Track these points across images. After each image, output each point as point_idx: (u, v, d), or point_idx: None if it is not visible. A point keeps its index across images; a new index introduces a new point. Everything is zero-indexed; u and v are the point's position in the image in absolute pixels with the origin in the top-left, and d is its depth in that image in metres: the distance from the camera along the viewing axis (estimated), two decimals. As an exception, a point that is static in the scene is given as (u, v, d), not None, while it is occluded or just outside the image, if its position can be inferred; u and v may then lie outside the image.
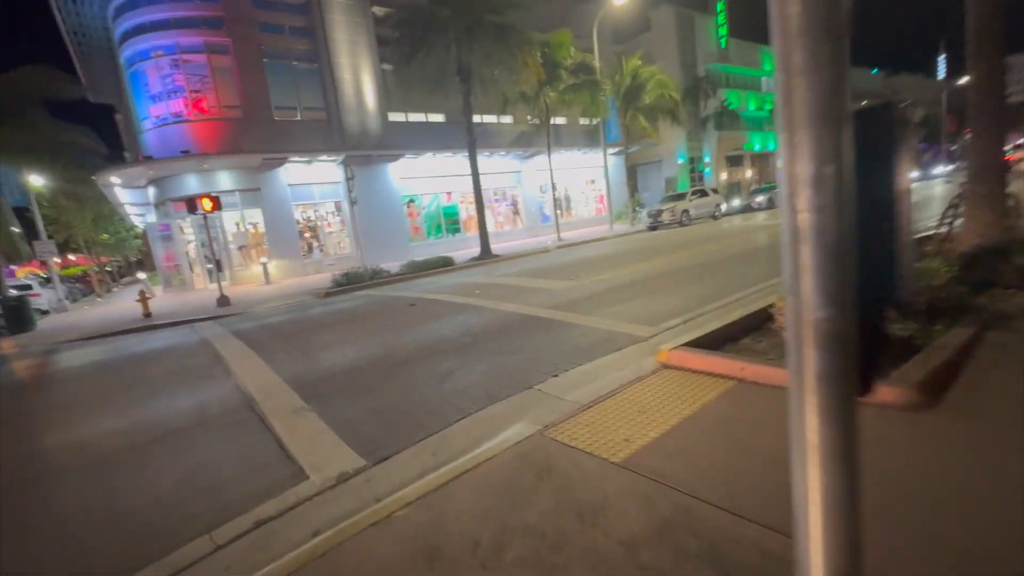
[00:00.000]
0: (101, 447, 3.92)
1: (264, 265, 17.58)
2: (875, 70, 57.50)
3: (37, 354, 9.46)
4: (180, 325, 10.73)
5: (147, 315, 12.47)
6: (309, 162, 18.58)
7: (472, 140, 16.24)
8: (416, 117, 21.52)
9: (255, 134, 17.52)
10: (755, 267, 8.04)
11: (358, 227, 19.51)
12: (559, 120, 25.28)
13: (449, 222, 22.97)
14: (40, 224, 19.42)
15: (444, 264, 15.01)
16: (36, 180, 21.96)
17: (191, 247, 18.82)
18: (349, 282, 13.37)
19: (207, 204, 12.69)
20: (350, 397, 4.26)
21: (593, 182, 28.39)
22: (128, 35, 17.22)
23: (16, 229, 17.03)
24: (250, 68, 17.67)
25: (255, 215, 18.42)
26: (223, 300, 12.52)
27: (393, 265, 15.42)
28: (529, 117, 21.24)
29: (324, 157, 18.60)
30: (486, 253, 16.43)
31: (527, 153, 24.05)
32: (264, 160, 17.29)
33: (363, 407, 3.97)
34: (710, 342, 4.19)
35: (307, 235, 19.51)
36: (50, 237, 29.01)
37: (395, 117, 20.83)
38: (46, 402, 5.71)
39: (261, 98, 17.92)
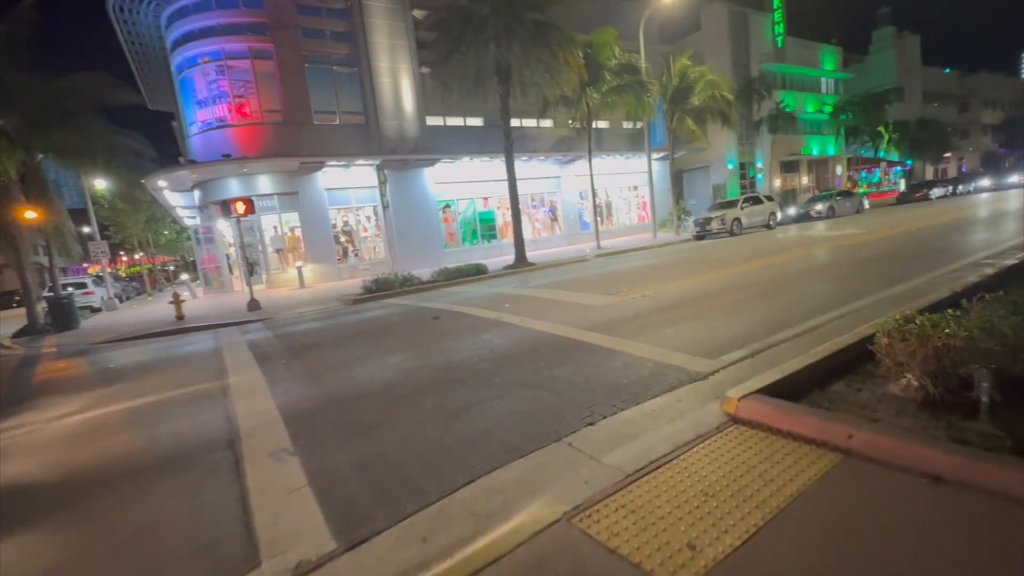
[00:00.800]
0: (34, 483, 3.42)
1: (299, 269, 17.54)
2: (947, 69, 53.24)
3: (60, 357, 9.46)
4: (207, 330, 10.56)
5: (180, 318, 12.46)
6: (346, 166, 18.48)
7: (509, 144, 15.61)
8: (454, 121, 21.15)
9: (294, 138, 17.57)
10: (828, 286, 6.90)
11: (392, 232, 19.25)
12: (601, 124, 24.34)
13: (485, 228, 22.43)
14: (94, 225, 20.26)
15: (477, 272, 14.38)
16: (95, 183, 23.05)
17: (231, 249, 19.08)
18: (379, 289, 12.96)
19: (240, 207, 12.61)
20: (343, 437, 3.58)
21: (636, 188, 27.21)
22: (178, 43, 17.69)
23: (72, 229, 17.68)
24: (292, 73, 17.76)
25: (293, 219, 18.48)
26: (253, 304, 12.36)
27: (426, 271, 14.95)
28: (570, 121, 20.44)
29: (361, 161, 18.46)
30: (521, 261, 15.71)
31: (567, 158, 23.23)
32: (302, 164, 17.29)
33: (354, 453, 3.29)
34: (791, 388, 3.26)
35: (343, 239, 19.42)
36: (106, 238, 30.56)
37: (432, 121, 20.52)
38: (18, 414, 5.38)
39: (301, 102, 17.99)
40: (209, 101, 17.57)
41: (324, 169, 18.06)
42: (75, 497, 3.19)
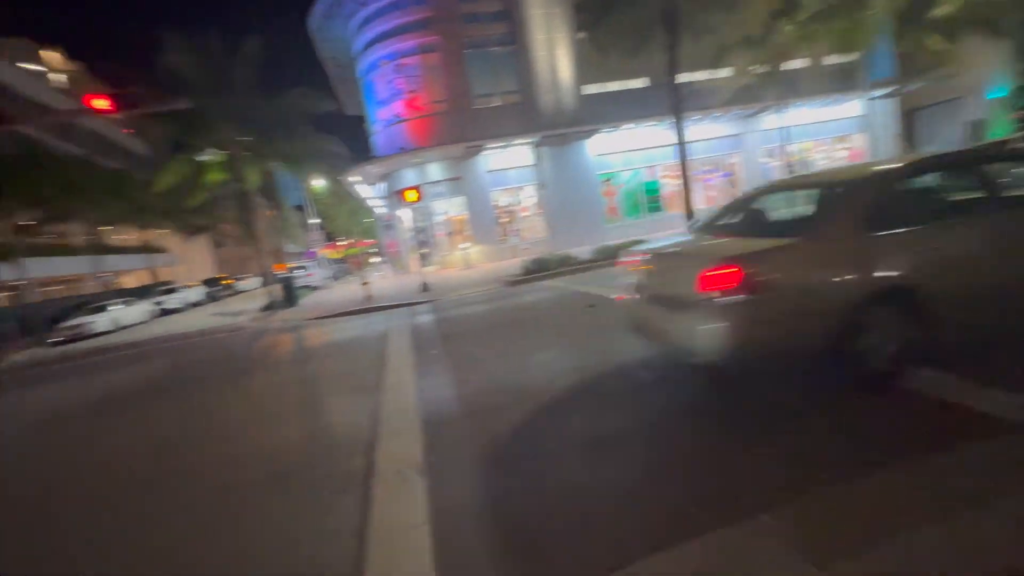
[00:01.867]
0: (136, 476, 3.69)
1: (465, 251, 18.48)
2: None
3: (279, 331, 11.36)
4: (385, 310, 11.60)
5: (368, 298, 14.07)
6: (505, 147, 18.64)
7: (678, 102, 13.70)
8: (613, 86, 19.63)
9: (458, 125, 18.29)
10: None
11: (550, 210, 18.91)
12: (795, 64, 20.03)
13: (650, 200, 20.60)
14: (312, 217, 24.46)
15: (639, 250, 13.11)
16: (311, 183, 27.71)
17: (409, 234, 21.11)
18: (537, 269, 12.72)
19: (411, 195, 13.53)
20: (473, 462, 3.13)
21: (844, 139, 21.99)
22: (361, 52, 19.78)
23: (296, 222, 21.61)
24: (454, 61, 18.43)
25: (459, 203, 19.48)
26: (424, 286, 13.27)
27: (585, 250, 14.22)
28: (754, 66, 17.15)
29: (519, 140, 18.42)
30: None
31: (748, 112, 19.80)
32: (466, 149, 17.95)
33: (484, 489, 2.79)
34: None
35: (504, 220, 19.82)
36: (323, 228, 36.85)
37: (590, 90, 19.35)
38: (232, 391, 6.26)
39: (462, 88, 18.58)
40: (387, 100, 19.35)
41: (484, 152, 18.51)
42: (204, 471, 3.39)
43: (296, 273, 22.61)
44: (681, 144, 13.97)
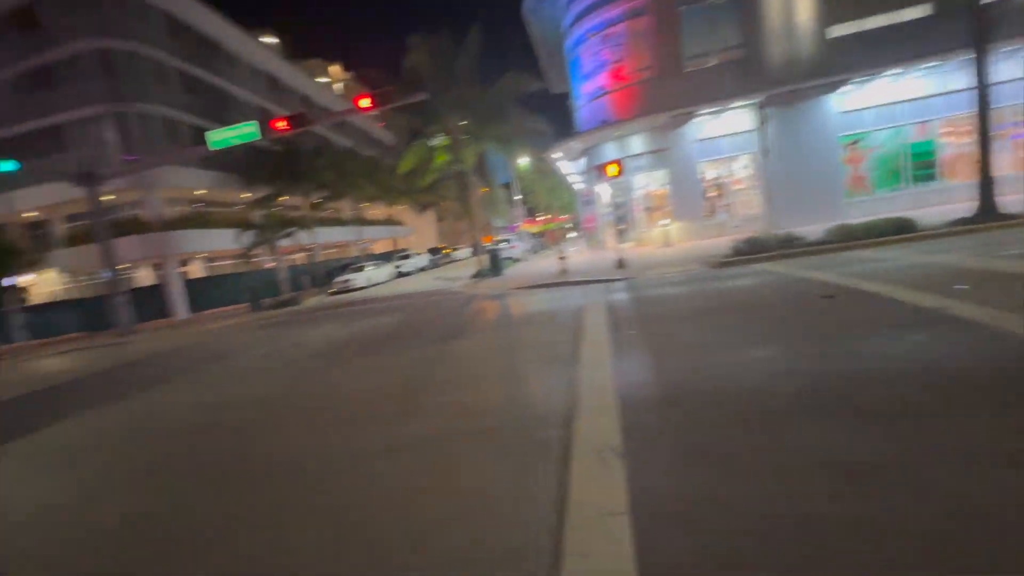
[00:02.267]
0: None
1: (665, 227, 17.42)
2: None
3: (486, 298, 12.51)
4: (580, 285, 11.75)
5: (563, 272, 14.48)
6: (719, 111, 16.67)
7: (984, 28, 10.13)
8: (874, 22, 15.55)
9: (664, 92, 17.02)
10: None
11: (771, 182, 16.35)
12: None
13: (919, 165, 16.05)
14: (516, 195, 26.19)
15: (898, 230, 10.39)
16: (518, 162, 29.55)
17: (607, 209, 20.85)
18: (751, 250, 11.21)
19: (611, 169, 13.22)
20: (680, 455, 2.86)
21: None
22: (569, 27, 19.84)
23: (503, 198, 23.44)
24: (666, 22, 17.05)
25: (661, 176, 18.35)
26: (619, 263, 12.99)
27: (815, 229, 11.92)
28: None
29: (737, 102, 16.23)
30: (987, 212, 10.35)
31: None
32: (671, 117, 16.67)
33: (691, 485, 2.52)
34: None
35: (712, 194, 17.96)
36: (525, 204, 39.14)
37: (839, 31, 15.72)
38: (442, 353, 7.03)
39: (672, 52, 17.12)
40: (592, 73, 19.13)
41: (694, 120, 16.87)
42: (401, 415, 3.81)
43: (501, 246, 24.68)
44: (982, 88, 10.39)
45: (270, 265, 27.97)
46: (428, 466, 3.30)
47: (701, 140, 17.25)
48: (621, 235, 16.14)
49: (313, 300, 21.62)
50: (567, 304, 9.30)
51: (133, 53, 24.02)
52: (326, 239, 35.44)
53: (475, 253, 20.31)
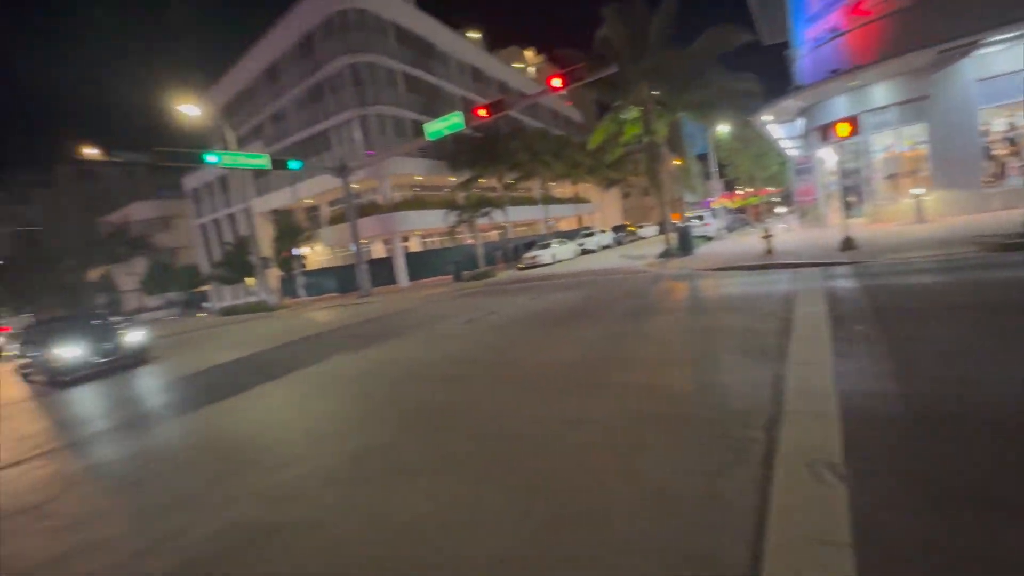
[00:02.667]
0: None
1: (917, 198, 13.75)
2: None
3: (674, 278, 11.74)
4: (790, 268, 10.16)
5: (768, 252, 12.70)
6: (1019, 37, 12.16)
7: None
8: None
9: (928, 22, 13.15)
10: None
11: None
12: None
13: None
14: (713, 166, 23.76)
15: None
16: (717, 129, 26.75)
17: (831, 178, 17.41)
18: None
19: (843, 128, 10.92)
20: (921, 486, 2.27)
21: None
22: (794, -41, 16.71)
23: (697, 171, 21.49)
24: (939, -73, 13.01)
25: (916, 132, 14.43)
26: (846, 243, 10.80)
27: None
28: None
29: (1056, 20, 11.58)
30: None
31: None
32: (939, 54, 12.83)
33: (930, 525, 1.99)
34: None
35: (998, 152, 13.41)
36: (723, 176, 35.35)
37: None
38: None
39: (949, -36, 13.00)
40: (820, 13, 15.89)
41: (977, 52, 12.66)
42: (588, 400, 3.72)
43: (692, 222, 22.86)
44: None
45: (470, 241, 31.24)
46: (610, 443, 3.31)
47: (984, 80, 12.91)
48: (849, 209, 13.33)
49: (504, 274, 23.48)
50: (771, 290, 8.15)
51: (372, 64, 28.97)
52: (517, 217, 37.85)
53: (662, 231, 19.24)
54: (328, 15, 28.68)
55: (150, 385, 8.67)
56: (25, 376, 12.02)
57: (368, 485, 3.24)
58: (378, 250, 32.62)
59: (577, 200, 45.54)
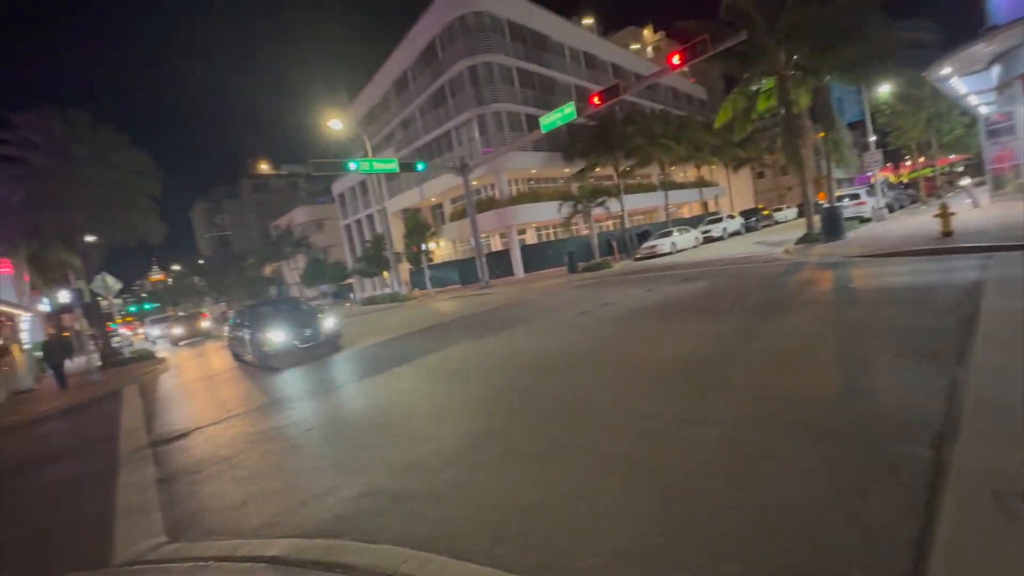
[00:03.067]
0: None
1: None
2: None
3: (817, 267, 10.31)
4: (977, 254, 8.33)
5: (946, 234, 10.56)
6: None
7: None
8: None
9: None
10: None
11: None
12: None
13: None
14: (870, 135, 20.32)
15: None
16: (877, 91, 22.87)
17: (1041, 139, 13.84)
18: None
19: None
20: None
21: None
22: None
23: (849, 142, 18.54)
24: None
25: None
26: (1062, 219, 8.53)
27: None
28: None
29: None
30: None
31: None
32: None
33: None
34: None
35: None
36: (885, 145, 30.13)
37: None
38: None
39: None
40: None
41: None
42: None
43: (844, 201, 19.96)
44: None
45: (585, 232, 30.92)
46: (730, 447, 3.06)
47: None
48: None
49: (620, 264, 22.83)
50: (948, 279, 6.78)
51: (489, 64, 29.98)
52: (634, 205, 36.49)
53: (803, 213, 17.03)
54: (448, 22, 30.31)
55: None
56: (236, 355, 13.16)
57: (483, 468, 3.42)
58: (496, 243, 33.89)
59: (701, 184, 42.35)
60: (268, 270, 60.05)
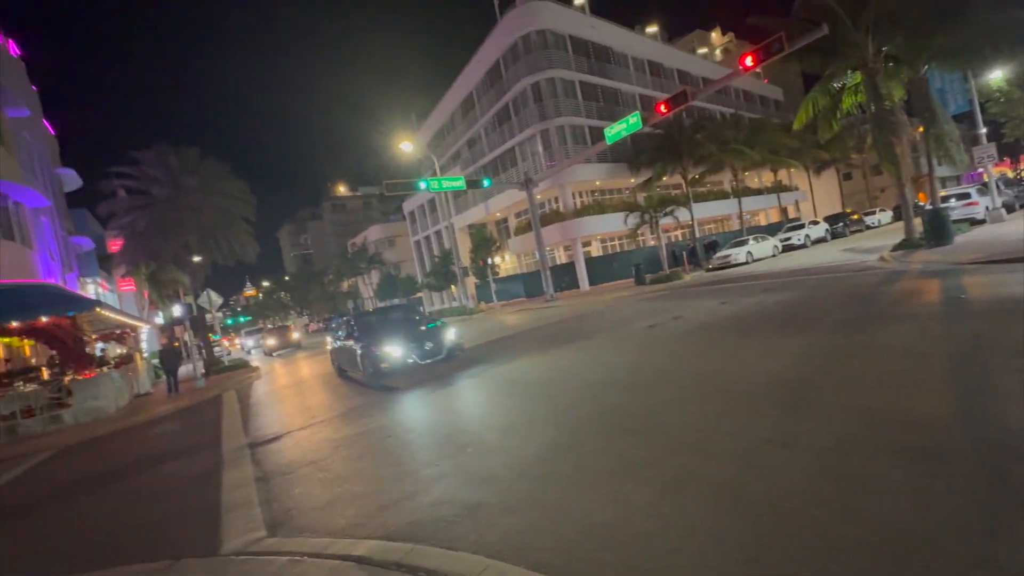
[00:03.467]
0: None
1: None
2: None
3: (920, 276, 9.29)
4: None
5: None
6: None
7: None
8: None
9: None
10: None
11: None
12: None
13: None
14: (980, 127, 18.17)
15: None
16: (987, 78, 20.54)
17: None
18: None
19: None
20: None
21: None
22: None
23: (955, 136, 16.64)
24: None
25: None
26: None
27: None
28: None
29: None
30: None
31: None
32: None
33: None
34: None
35: None
36: (999, 138, 26.81)
37: None
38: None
39: None
40: None
41: None
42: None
43: (951, 203, 17.99)
44: None
45: (652, 242, 30.09)
46: (825, 471, 2.82)
47: None
48: None
49: (691, 276, 21.93)
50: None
51: (551, 79, 30.34)
52: (705, 214, 35.07)
53: (901, 216, 15.50)
54: (511, 43, 31.12)
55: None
56: (340, 370, 11.65)
57: (554, 482, 3.41)
58: (560, 256, 33.86)
59: (779, 189, 39.84)
60: (345, 285, 63.99)
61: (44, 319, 12.35)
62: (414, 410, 6.62)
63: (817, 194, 42.69)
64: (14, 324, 11.94)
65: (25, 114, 15.59)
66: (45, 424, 11.59)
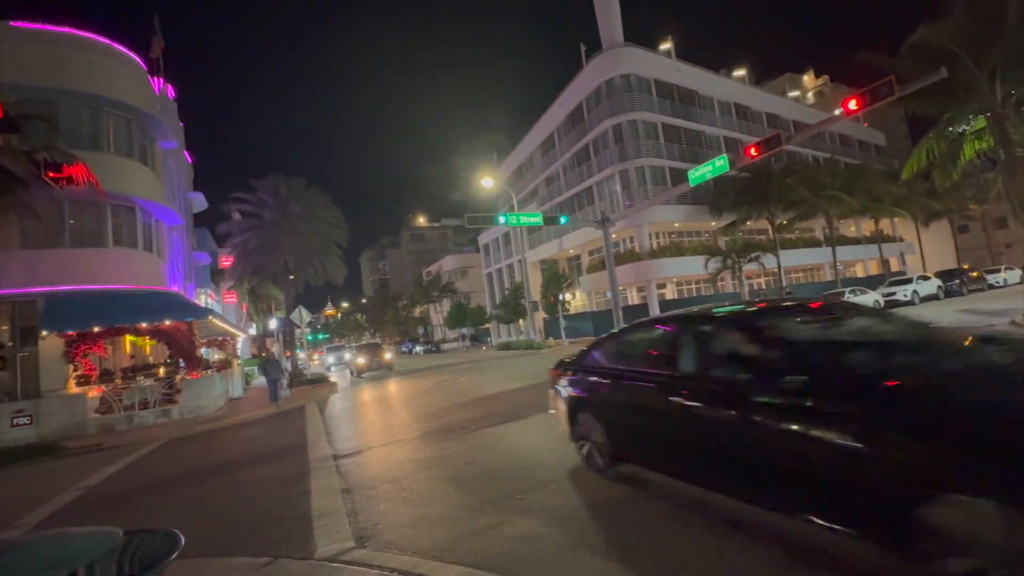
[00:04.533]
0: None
1: None
2: None
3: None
4: None
5: None
6: None
7: None
8: None
9: None
10: None
11: None
12: None
13: None
14: None
15: None
16: None
17: None
18: None
19: None
20: None
21: None
22: None
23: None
24: None
25: None
26: None
27: None
28: None
29: None
30: None
31: None
32: None
33: None
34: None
35: None
36: None
37: None
38: None
39: None
40: None
41: None
42: None
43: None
44: None
45: (732, 288, 28.62)
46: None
47: None
48: None
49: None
50: None
51: (633, 121, 30.61)
52: (793, 262, 33.00)
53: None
54: (596, 86, 31.95)
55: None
56: (580, 436, 4.74)
57: (643, 527, 3.25)
58: (632, 296, 33.10)
59: (881, 239, 36.63)
60: (417, 311, 66.56)
61: (167, 322, 13.98)
62: (484, 440, 6.63)
63: (927, 247, 38.64)
64: (143, 325, 13.62)
65: (173, 146, 18.22)
66: (156, 416, 12.94)
